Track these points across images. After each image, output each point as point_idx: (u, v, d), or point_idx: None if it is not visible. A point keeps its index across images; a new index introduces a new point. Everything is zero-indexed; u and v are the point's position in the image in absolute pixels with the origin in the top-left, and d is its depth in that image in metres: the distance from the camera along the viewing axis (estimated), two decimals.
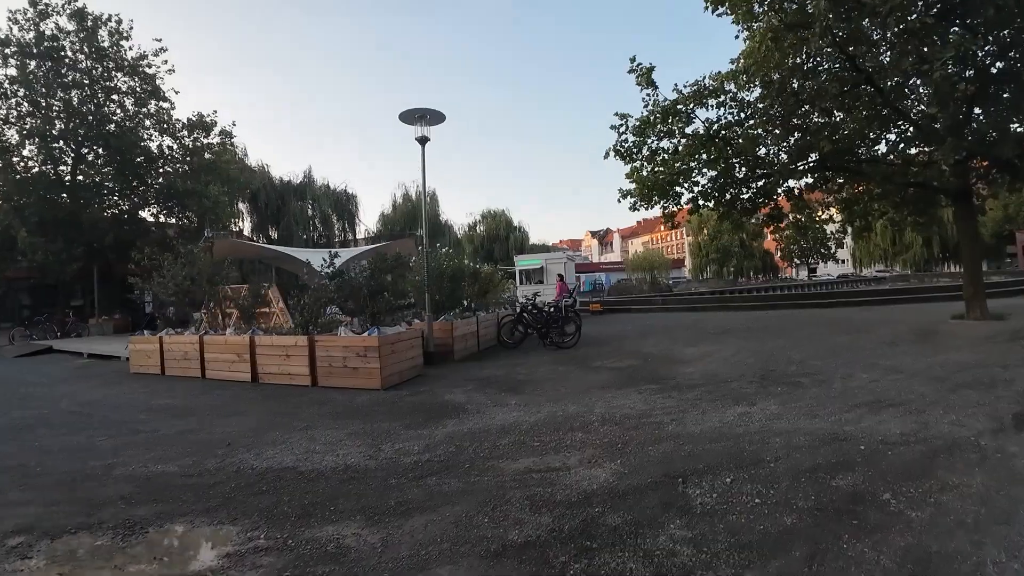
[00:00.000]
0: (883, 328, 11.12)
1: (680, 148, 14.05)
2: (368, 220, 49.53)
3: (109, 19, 21.63)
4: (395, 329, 9.24)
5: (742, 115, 13.52)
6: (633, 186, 14.07)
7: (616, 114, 13.53)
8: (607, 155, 13.53)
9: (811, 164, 13.40)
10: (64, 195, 21.51)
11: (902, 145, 13.29)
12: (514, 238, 52.36)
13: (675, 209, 14.65)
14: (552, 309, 12.91)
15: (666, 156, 13.85)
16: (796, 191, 14.73)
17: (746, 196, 14.66)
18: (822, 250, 66.37)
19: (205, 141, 24.00)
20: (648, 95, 13.37)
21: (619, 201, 14.38)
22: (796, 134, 12.94)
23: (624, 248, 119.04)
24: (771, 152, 13.79)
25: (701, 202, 14.58)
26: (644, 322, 16.91)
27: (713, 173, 14.27)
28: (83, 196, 21.82)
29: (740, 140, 13.56)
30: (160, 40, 23.50)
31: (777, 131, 13.24)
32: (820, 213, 16.03)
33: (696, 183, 14.61)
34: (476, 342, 12.21)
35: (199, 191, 23.12)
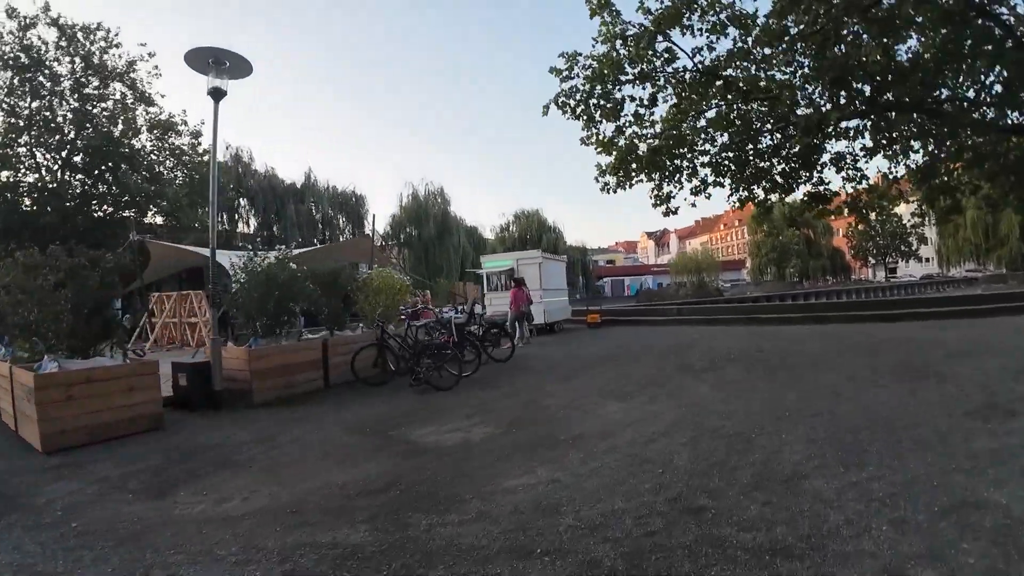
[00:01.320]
0: (970, 367, 6.42)
1: (667, 98, 9.87)
2: (379, 223, 47.07)
3: (98, 28, 21.52)
4: (101, 361, 5.64)
5: (748, 41, 9.10)
6: (610, 159, 10.03)
7: (562, 55, 9.44)
8: (546, 110, 9.44)
9: (859, 107, 8.75)
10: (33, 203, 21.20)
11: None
12: (547, 239, 48.25)
13: (670, 192, 10.41)
14: (445, 333, 9.03)
15: (641, 110, 9.64)
16: (849, 157, 10.09)
17: (774, 166, 10.27)
18: (901, 246, 57.92)
19: (176, 142, 23.84)
20: (606, 27, 9.22)
21: (596, 180, 10.27)
22: (834, 55, 8.32)
23: (682, 249, 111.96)
24: (799, 94, 9.27)
25: (711, 178, 10.32)
26: (631, 340, 12.63)
27: (723, 137, 10.02)
28: (69, 203, 21.54)
29: (752, 77, 9.25)
30: (145, 44, 24.02)
31: (805, 57, 8.71)
32: (891, 192, 11.16)
33: (703, 152, 10.35)
34: (322, 375, 8.47)
35: (157, 192, 22.44)
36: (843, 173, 10.20)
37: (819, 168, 10.17)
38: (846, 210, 10.82)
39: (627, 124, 9.82)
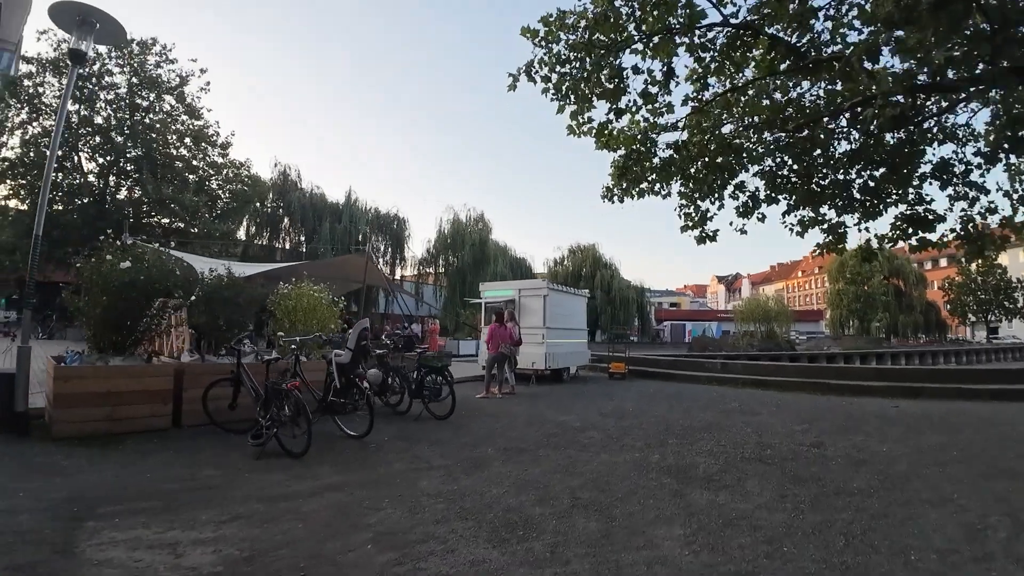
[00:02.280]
0: None
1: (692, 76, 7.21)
2: (418, 247, 44.81)
3: (153, 43, 22.45)
4: None
5: None
6: (616, 157, 7.49)
7: (541, 20, 6.83)
8: (515, 82, 6.81)
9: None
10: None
11: None
12: (602, 275, 45.17)
13: (706, 211, 7.71)
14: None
15: (652, 89, 6.90)
16: (960, 165, 6.86)
17: (851, 175, 7.32)
18: (1005, 302, 49.74)
19: (212, 157, 24.64)
20: None
21: (604, 198, 7.62)
22: None
23: (755, 295, 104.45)
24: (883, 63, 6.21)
25: (764, 193, 7.54)
26: (642, 402, 9.53)
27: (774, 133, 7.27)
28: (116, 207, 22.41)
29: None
30: (196, 60, 26.96)
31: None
32: None
33: (750, 156, 7.53)
34: (171, 410, 6.20)
35: (171, 197, 21.97)
36: (951, 189, 6.92)
37: (916, 181, 6.97)
38: (954, 244, 7.36)
39: (632, 107, 7.06)
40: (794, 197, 7.52)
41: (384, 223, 35.31)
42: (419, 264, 36.22)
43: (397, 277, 36.36)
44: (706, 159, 7.35)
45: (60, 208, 21.72)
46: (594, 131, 7.20)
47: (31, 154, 20.62)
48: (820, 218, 7.49)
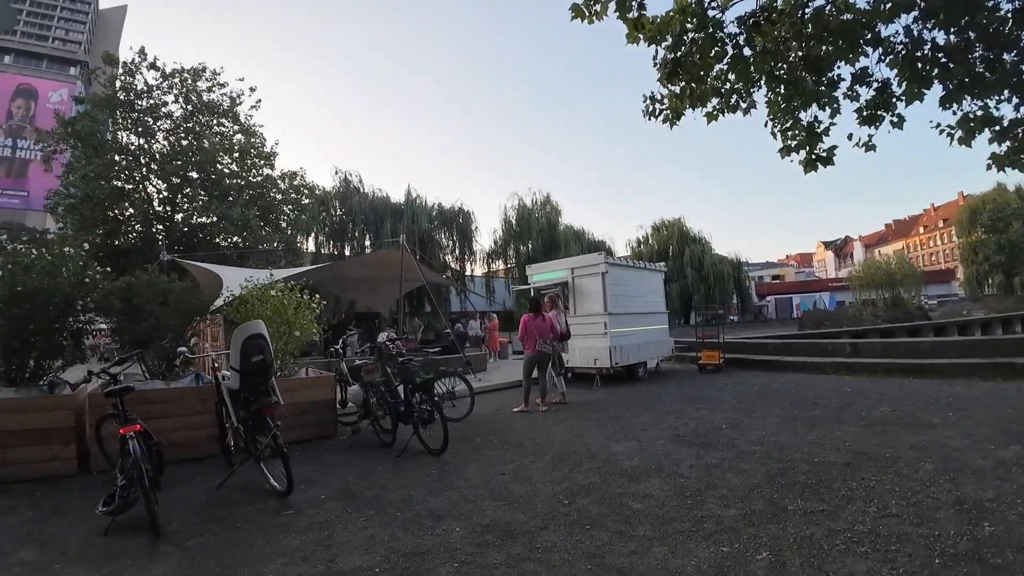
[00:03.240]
0: None
1: None
2: (485, 239, 42.82)
3: (203, 70, 22.88)
4: None
5: None
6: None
7: None
8: None
9: None
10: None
11: None
12: (691, 251, 41.04)
13: (814, 121, 4.97)
14: None
15: None
16: None
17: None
18: None
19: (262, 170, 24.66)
20: None
21: (647, 115, 5.09)
22: None
23: (871, 258, 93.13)
24: None
25: (898, 84, 4.66)
26: (744, 416, 6.75)
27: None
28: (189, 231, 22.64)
29: None
30: (243, 79, 24.91)
31: None
32: None
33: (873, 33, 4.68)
34: (75, 453, 4.93)
35: (223, 213, 21.58)
36: None
37: None
38: None
39: None
40: (950, 84, 4.55)
41: (448, 218, 33.76)
42: (487, 257, 34.34)
43: (468, 273, 34.86)
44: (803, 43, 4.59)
45: (132, 237, 22.01)
46: (615, 7, 4.56)
47: (90, 189, 21.12)
48: (990, 114, 4.55)
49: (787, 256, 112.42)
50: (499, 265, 34.51)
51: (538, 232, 30.19)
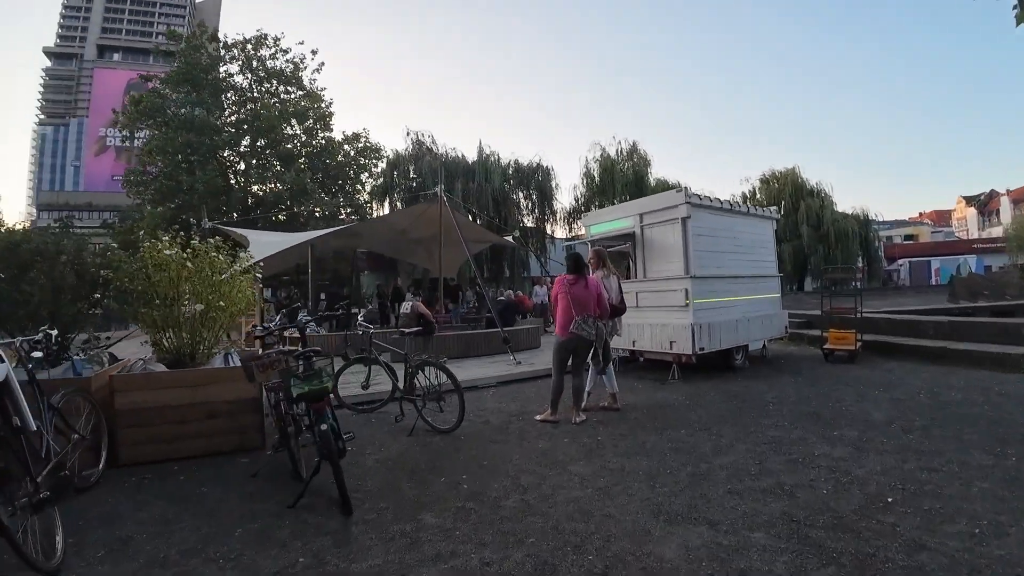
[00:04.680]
0: None
1: None
2: (565, 196, 39.16)
3: (264, 37, 23.08)
4: None
5: None
6: None
7: None
8: None
9: None
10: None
11: None
12: (807, 206, 35.25)
13: None
14: None
15: None
16: None
17: None
18: None
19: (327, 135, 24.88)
20: None
21: None
22: None
23: (1019, 214, 77.57)
24: None
25: None
26: (921, 465, 3.77)
27: None
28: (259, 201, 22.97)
29: None
30: (303, 42, 26.46)
31: None
32: None
33: None
34: None
35: (276, 175, 22.04)
36: None
37: None
38: None
39: None
40: None
41: (526, 175, 31.06)
42: (568, 217, 31.48)
43: (549, 233, 32.28)
44: None
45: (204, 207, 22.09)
46: None
47: (159, 161, 21.59)
48: None
49: (920, 214, 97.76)
50: (579, 225, 31.60)
51: (623, 186, 26.77)
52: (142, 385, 4.34)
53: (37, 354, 3.67)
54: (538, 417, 5.19)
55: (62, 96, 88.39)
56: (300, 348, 3.83)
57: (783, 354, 9.24)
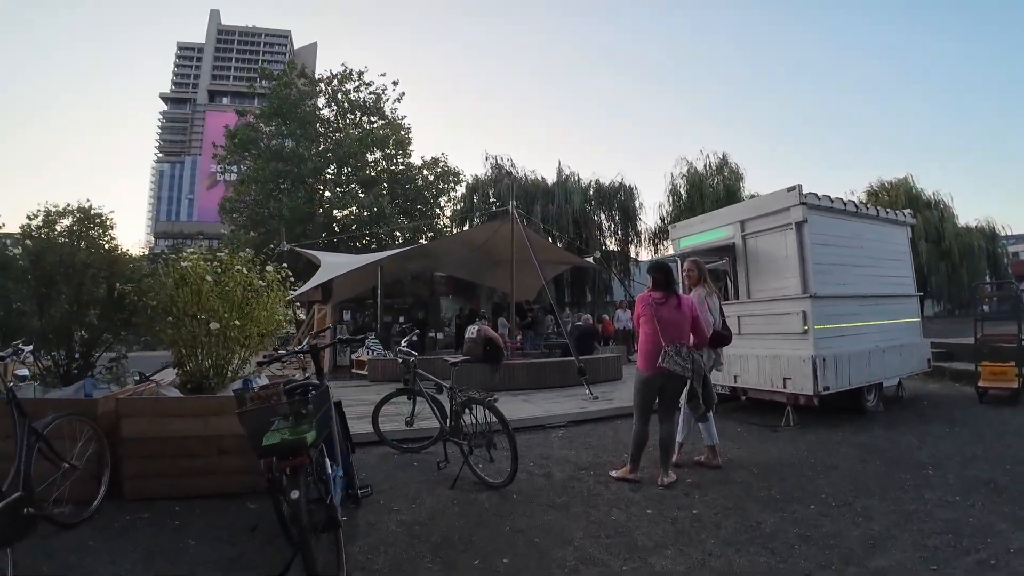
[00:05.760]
0: None
1: None
2: (650, 216, 37.05)
3: (349, 73, 24.17)
4: None
5: None
6: None
7: None
8: None
9: None
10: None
11: None
12: (924, 219, 31.21)
13: None
14: None
15: None
16: None
17: None
18: None
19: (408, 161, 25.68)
20: None
21: None
22: None
23: None
24: None
25: None
26: None
27: None
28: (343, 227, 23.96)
29: None
30: (384, 74, 28.37)
31: None
32: None
33: None
34: None
35: (357, 200, 22.78)
36: None
37: None
38: None
39: None
40: None
41: (607, 195, 29.92)
42: (652, 237, 29.91)
43: (632, 255, 30.84)
44: None
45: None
46: None
47: (252, 190, 22.92)
48: None
49: None
50: (667, 245, 29.89)
51: (713, 202, 24.84)
52: (149, 411, 3.78)
53: (22, 371, 3.18)
54: (614, 473, 4.09)
55: (177, 136, 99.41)
56: (309, 379, 3.07)
57: (923, 393, 7.51)
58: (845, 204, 6.18)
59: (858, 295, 6.12)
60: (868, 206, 6.75)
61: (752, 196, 26.38)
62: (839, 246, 5.92)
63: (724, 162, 26.61)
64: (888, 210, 7.08)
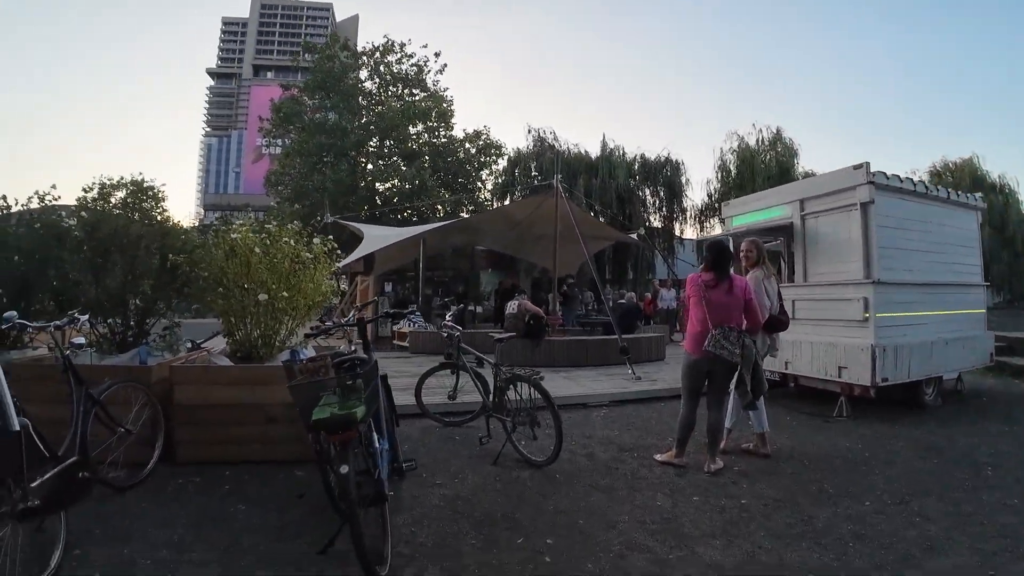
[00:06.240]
0: None
1: None
2: (697, 192, 35.73)
3: (392, 44, 24.06)
4: None
5: None
6: None
7: None
8: None
9: None
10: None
11: None
12: (989, 203, 29.25)
13: None
14: None
15: None
16: None
17: None
18: None
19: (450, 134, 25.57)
20: None
21: None
22: None
23: None
24: None
25: None
26: None
27: None
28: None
29: None
30: (426, 45, 25.86)
31: None
32: None
33: None
34: None
35: (399, 172, 22.95)
36: None
37: None
38: None
39: None
40: None
41: (652, 170, 29.08)
42: (699, 215, 29.10)
43: (677, 233, 30.10)
44: None
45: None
46: None
47: (297, 163, 23.29)
48: None
49: None
50: (713, 224, 29.02)
51: (765, 179, 23.89)
52: (200, 379, 3.91)
53: (79, 340, 3.30)
54: (659, 457, 4.02)
55: (224, 111, 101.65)
56: (355, 352, 3.08)
57: (982, 389, 7.10)
58: (915, 185, 5.78)
59: (923, 283, 5.76)
60: (938, 187, 6.31)
61: (807, 174, 25.27)
62: (905, 229, 5.56)
63: (778, 137, 25.46)
64: (958, 192, 6.61)
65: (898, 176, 5.54)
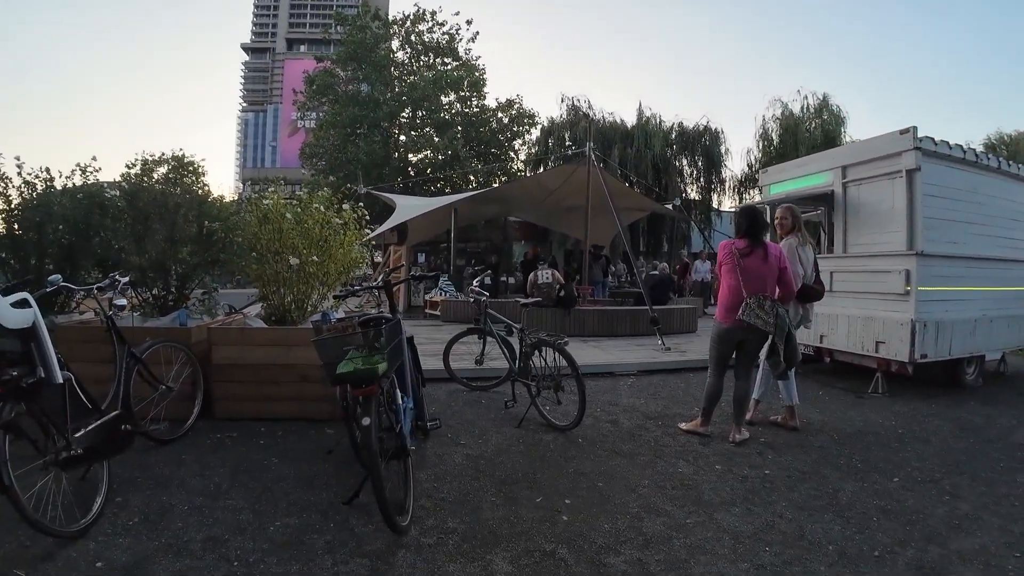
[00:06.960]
0: None
1: None
2: (736, 162, 34.37)
3: (423, 14, 23.80)
4: None
5: None
6: None
7: None
8: None
9: None
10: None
11: None
12: None
13: None
14: None
15: None
16: None
17: None
18: None
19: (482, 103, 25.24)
20: None
21: None
22: None
23: None
24: None
25: None
26: None
27: None
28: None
29: None
30: (458, 14, 24.92)
31: None
32: None
33: None
34: None
35: (431, 143, 22.97)
36: None
37: None
38: None
39: None
40: None
41: (690, 139, 28.17)
42: (738, 186, 28.25)
43: (715, 205, 29.33)
44: None
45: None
46: None
47: (331, 135, 23.40)
48: None
49: None
50: (753, 195, 28.15)
51: (809, 149, 22.95)
52: (237, 339, 4.05)
53: (121, 301, 3.45)
54: (683, 426, 4.01)
55: (260, 86, 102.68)
56: (382, 313, 3.15)
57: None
58: (964, 152, 5.47)
59: (969, 256, 5.49)
60: (989, 156, 5.95)
61: (854, 143, 24.17)
62: (953, 199, 5.27)
63: (824, 104, 24.32)
64: (1012, 163, 6.22)
65: (947, 143, 5.24)
